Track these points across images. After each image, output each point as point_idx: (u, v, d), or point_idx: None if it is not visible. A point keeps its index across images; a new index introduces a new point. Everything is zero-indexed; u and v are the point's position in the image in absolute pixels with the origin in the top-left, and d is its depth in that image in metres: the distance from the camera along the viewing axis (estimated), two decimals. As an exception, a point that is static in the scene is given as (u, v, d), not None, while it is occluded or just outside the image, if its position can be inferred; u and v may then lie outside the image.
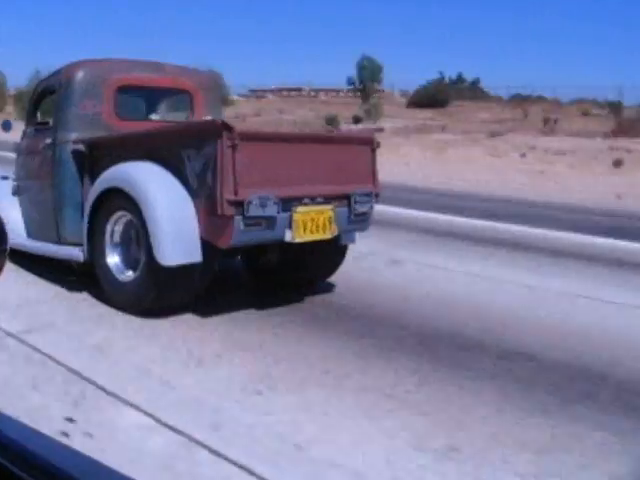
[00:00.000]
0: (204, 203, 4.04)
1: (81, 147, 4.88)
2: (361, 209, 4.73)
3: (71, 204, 4.95)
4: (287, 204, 4.17)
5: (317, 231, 4.38)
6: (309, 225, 4.32)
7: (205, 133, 4.03)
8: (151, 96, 5.61)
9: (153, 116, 5.56)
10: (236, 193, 3.91)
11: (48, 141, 5.03)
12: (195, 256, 4.09)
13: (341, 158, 4.68)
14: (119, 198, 4.32)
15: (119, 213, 4.41)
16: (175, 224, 4.04)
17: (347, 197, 4.62)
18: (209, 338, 3.96)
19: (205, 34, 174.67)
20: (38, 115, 5.67)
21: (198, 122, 5.16)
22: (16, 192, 5.74)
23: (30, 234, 5.54)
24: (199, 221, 4.08)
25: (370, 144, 4.84)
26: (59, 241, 5.06)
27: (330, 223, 4.45)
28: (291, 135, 4.84)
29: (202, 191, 4.05)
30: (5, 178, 5.99)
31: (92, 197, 4.48)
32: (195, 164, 4.08)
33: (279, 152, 4.27)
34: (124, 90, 5.18)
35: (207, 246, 4.11)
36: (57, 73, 5.19)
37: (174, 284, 4.18)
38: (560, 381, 3.50)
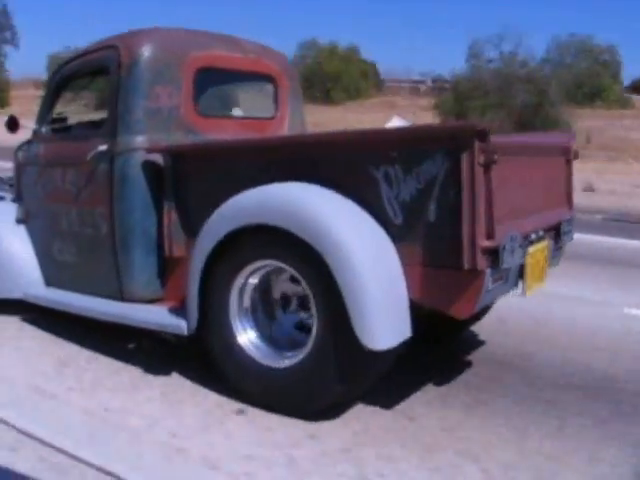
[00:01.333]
0: (421, 250, 2.60)
1: (158, 158, 3.27)
2: (565, 241, 3.45)
3: (142, 242, 3.33)
4: (523, 244, 2.81)
5: (540, 278, 3.05)
6: (536, 271, 2.98)
7: (435, 141, 2.56)
8: (229, 83, 4.04)
9: (234, 111, 3.99)
10: (491, 236, 2.51)
11: (101, 148, 3.36)
12: (406, 331, 2.65)
13: (550, 173, 3.36)
14: (263, 241, 2.78)
15: (258, 263, 2.86)
16: (382, 287, 2.58)
17: (557, 227, 3.33)
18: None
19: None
20: (57, 111, 3.97)
21: (426, 126, 3.65)
22: (23, 219, 4.00)
23: (54, 281, 3.83)
24: (409, 278, 2.64)
25: (567, 153, 3.54)
26: (121, 297, 3.43)
27: (546, 265, 3.13)
28: (541, 143, 3.34)
29: (415, 232, 2.60)
30: (1, 198, 4.21)
31: (210, 240, 2.87)
32: (402, 189, 2.61)
33: (524, 169, 2.90)
34: (203, 74, 3.59)
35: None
36: (107, 48, 3.51)
37: (370, 369, 2.72)
38: None
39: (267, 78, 4.04)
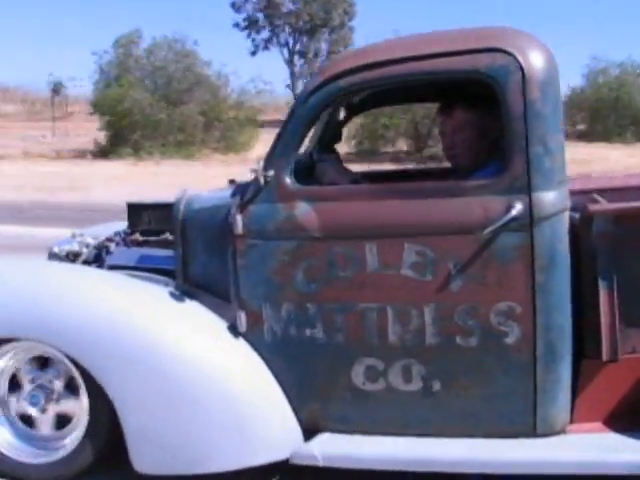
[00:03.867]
0: None
1: (607, 225, 2.29)
2: None
3: (570, 348, 2.28)
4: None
5: None
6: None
7: None
8: None
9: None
10: None
11: (514, 211, 2.20)
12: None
13: None
14: None
15: None
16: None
17: None
18: None
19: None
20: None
21: None
22: (245, 330, 2.42)
23: (344, 423, 2.40)
24: None
25: None
26: (533, 431, 2.28)
27: None
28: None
29: None
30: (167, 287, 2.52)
31: None
32: None
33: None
34: None
35: None
36: (486, 52, 2.31)
37: None
38: None
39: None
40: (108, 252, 2.95)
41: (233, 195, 2.49)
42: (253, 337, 2.43)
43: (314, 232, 2.36)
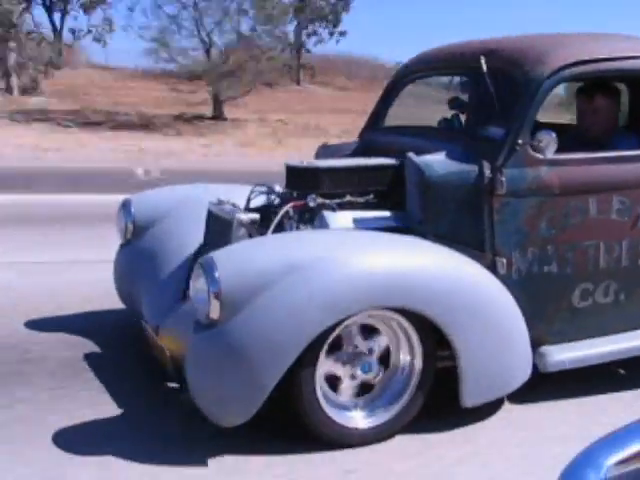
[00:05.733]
0: None
1: None
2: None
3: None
4: None
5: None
6: None
7: None
8: None
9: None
10: None
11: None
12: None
13: None
14: None
15: None
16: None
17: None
18: None
19: None
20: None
21: None
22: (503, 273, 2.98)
23: (563, 334, 3.14)
24: None
25: None
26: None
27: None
28: None
29: None
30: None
31: None
32: None
33: None
34: None
35: None
36: None
37: None
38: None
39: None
40: (317, 217, 3.06)
41: (472, 161, 2.96)
42: (505, 277, 3.00)
43: (554, 190, 3.02)
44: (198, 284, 2.51)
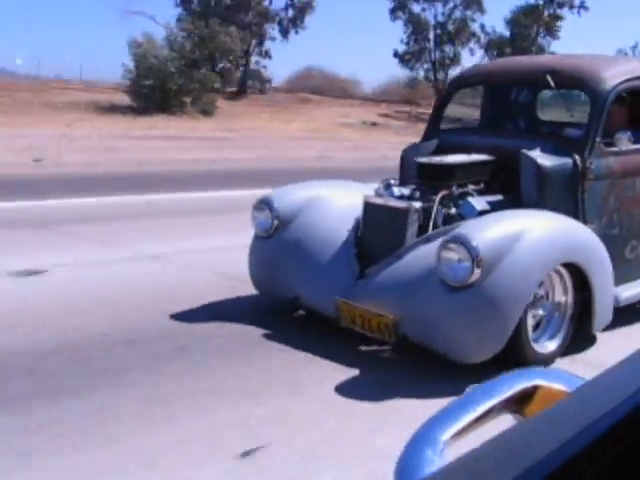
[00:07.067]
0: None
1: None
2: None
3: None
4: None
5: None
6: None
7: None
8: None
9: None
10: None
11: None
12: None
13: None
14: None
15: None
16: None
17: None
18: None
19: None
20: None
21: None
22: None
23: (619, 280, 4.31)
24: None
25: None
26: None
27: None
28: None
29: None
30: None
31: None
32: None
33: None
34: None
35: None
36: None
37: None
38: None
39: None
40: (462, 202, 3.94)
41: (565, 155, 4.03)
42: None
43: (618, 174, 4.19)
44: (453, 255, 3.30)
